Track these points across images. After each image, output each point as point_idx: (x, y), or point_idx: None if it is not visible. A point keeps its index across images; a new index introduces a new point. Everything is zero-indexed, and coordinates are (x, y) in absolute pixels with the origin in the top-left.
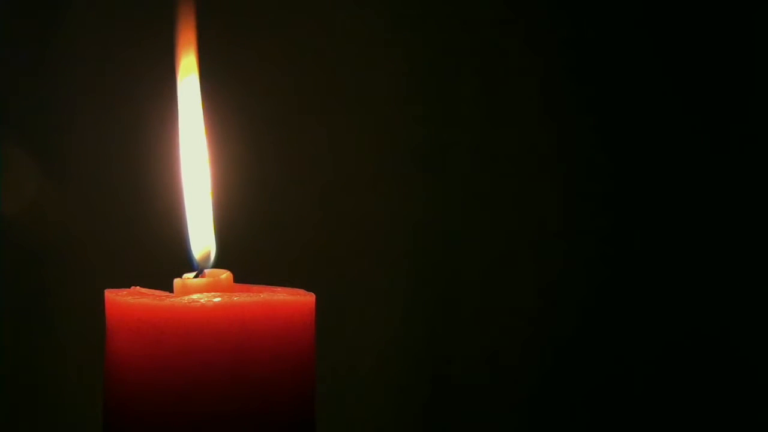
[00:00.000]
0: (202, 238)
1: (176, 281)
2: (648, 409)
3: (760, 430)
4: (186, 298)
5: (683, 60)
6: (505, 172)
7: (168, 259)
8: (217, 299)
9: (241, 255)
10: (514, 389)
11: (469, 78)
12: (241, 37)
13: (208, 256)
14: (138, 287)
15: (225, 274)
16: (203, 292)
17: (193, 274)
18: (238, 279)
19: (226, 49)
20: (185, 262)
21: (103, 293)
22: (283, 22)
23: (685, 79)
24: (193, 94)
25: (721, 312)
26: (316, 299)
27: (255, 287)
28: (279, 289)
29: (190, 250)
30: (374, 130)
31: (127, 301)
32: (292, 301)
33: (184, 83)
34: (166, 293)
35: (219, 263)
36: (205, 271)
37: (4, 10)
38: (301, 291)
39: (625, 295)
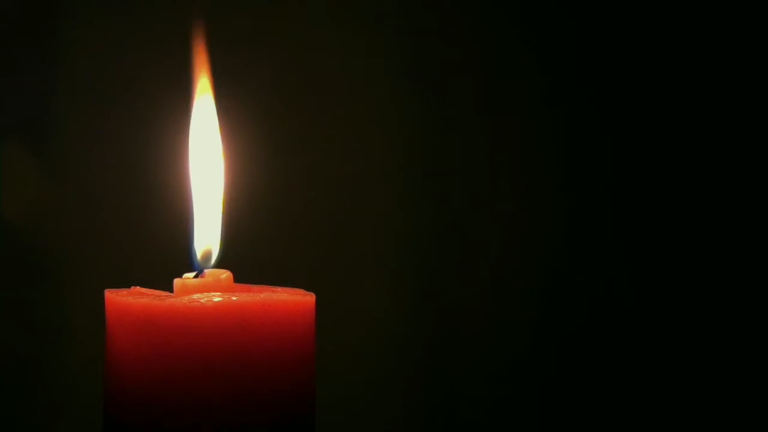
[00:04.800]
0: (202, 238)
1: (176, 281)
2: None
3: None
4: (186, 298)
5: (682, 60)
6: (506, 174)
7: (168, 259)
8: (217, 299)
9: (241, 255)
10: (515, 388)
11: (473, 83)
12: (248, 42)
13: (208, 256)
14: (138, 287)
15: (225, 274)
16: (203, 292)
17: (193, 274)
18: (238, 279)
19: (234, 54)
20: (185, 262)
21: (103, 293)
22: (293, 31)
23: (683, 80)
24: (207, 103)
25: (721, 313)
26: (316, 299)
27: (255, 287)
28: (279, 289)
29: (192, 249)
30: (376, 133)
31: (127, 301)
32: (292, 301)
33: (200, 88)
34: (166, 293)
35: (220, 263)
36: (205, 271)
37: (6, 9)
38: (301, 291)
39: (627, 305)
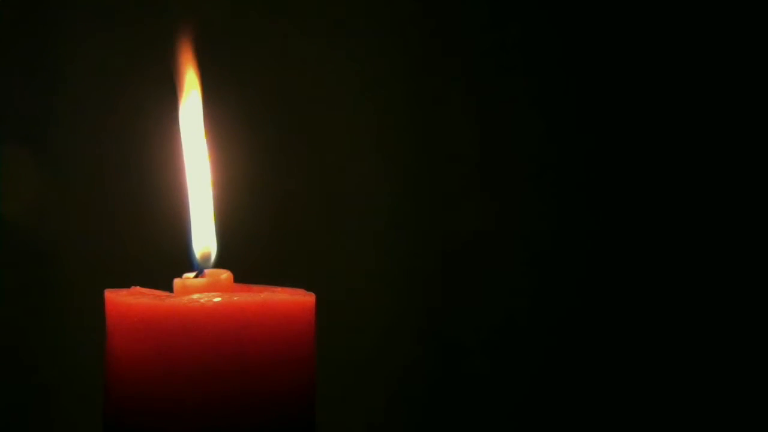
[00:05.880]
0: (202, 238)
1: (176, 281)
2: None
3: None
4: (186, 298)
5: (679, 59)
6: (506, 174)
7: (168, 259)
8: (217, 299)
9: (241, 255)
10: (515, 389)
11: (472, 84)
12: (240, 42)
13: (208, 256)
14: (138, 287)
15: (225, 274)
16: (203, 292)
17: (193, 274)
18: (238, 279)
19: (227, 55)
20: (185, 262)
21: (103, 293)
22: (289, 31)
23: (682, 80)
24: (196, 100)
25: (719, 313)
26: (316, 299)
27: (255, 287)
28: (279, 289)
29: (192, 250)
30: (374, 132)
31: (127, 301)
32: (292, 301)
33: (187, 92)
34: (166, 293)
35: (219, 263)
36: (205, 271)
37: (6, 10)
38: (301, 291)
39: (623, 303)
